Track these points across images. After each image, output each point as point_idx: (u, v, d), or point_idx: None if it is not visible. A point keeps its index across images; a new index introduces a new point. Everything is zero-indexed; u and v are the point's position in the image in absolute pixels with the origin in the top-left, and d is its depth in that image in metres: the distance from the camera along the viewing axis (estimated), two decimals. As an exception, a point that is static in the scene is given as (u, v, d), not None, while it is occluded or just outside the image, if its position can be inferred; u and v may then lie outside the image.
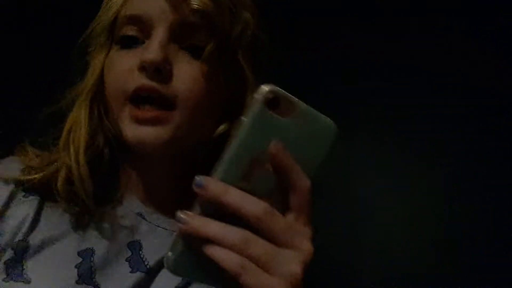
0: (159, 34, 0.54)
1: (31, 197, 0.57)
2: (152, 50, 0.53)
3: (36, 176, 0.57)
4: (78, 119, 0.59)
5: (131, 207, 0.60)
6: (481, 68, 1.02)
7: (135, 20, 0.56)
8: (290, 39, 1.05)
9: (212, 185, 0.35)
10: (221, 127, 0.59)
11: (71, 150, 0.57)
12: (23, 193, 0.57)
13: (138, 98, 0.55)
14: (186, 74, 0.55)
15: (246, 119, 0.35)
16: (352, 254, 1.00)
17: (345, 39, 1.09)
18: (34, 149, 0.61)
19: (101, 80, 0.59)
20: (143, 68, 0.54)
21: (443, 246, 0.98)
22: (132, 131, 0.55)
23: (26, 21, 1.11)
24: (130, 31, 0.56)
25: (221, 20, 0.56)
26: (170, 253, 0.36)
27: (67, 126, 0.59)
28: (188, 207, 0.60)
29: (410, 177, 1.02)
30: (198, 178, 0.35)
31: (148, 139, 0.54)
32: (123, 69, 0.56)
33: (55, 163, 0.58)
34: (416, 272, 0.97)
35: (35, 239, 0.54)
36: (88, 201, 0.55)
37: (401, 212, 1.01)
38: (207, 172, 0.37)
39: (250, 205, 0.34)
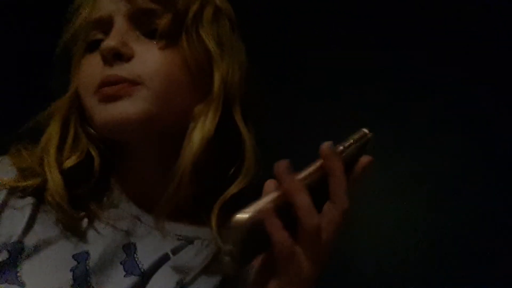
0: (116, 23, 0.56)
1: (26, 199, 0.57)
2: (109, 38, 0.56)
3: (29, 182, 0.57)
4: (52, 134, 0.59)
5: (126, 209, 0.59)
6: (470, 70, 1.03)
7: (98, 22, 0.58)
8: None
9: (292, 181, 0.38)
10: (196, 110, 0.58)
11: (46, 166, 0.57)
12: (19, 194, 0.57)
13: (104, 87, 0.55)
14: (146, 53, 0.56)
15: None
16: (348, 254, 1.00)
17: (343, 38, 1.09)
18: (27, 146, 0.60)
19: (76, 92, 0.60)
20: (104, 58, 0.55)
21: (435, 248, 0.99)
22: (100, 112, 0.55)
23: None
24: (96, 34, 0.58)
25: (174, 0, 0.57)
26: (229, 246, 0.37)
27: (41, 143, 0.59)
28: (182, 205, 0.60)
29: (403, 179, 1.03)
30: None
31: (115, 116, 0.54)
32: (91, 68, 0.57)
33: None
34: (411, 272, 0.98)
35: (30, 241, 0.54)
36: (68, 209, 0.55)
37: (395, 213, 1.01)
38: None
39: (310, 216, 0.37)
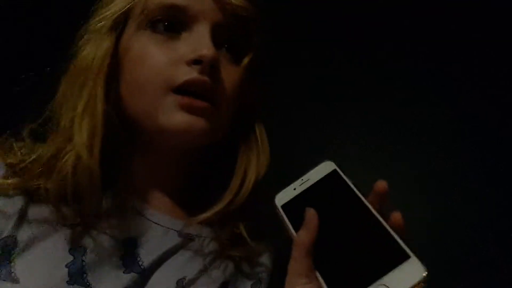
0: (206, 30, 0.55)
1: (19, 191, 0.54)
2: (208, 46, 0.53)
3: (13, 181, 0.53)
4: (93, 94, 0.54)
5: (129, 202, 0.57)
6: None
7: (177, 9, 0.55)
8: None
9: None
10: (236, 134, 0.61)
11: (84, 133, 0.53)
12: (12, 188, 0.53)
13: (184, 91, 0.54)
14: (230, 76, 0.56)
15: None
16: None
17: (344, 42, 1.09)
18: (16, 142, 0.57)
19: (114, 62, 0.56)
20: (198, 62, 0.53)
21: (436, 248, 0.98)
22: (177, 118, 0.53)
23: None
24: (167, 17, 0.55)
25: (259, 30, 0.58)
26: None
27: (81, 102, 0.54)
28: (184, 203, 0.59)
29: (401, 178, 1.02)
30: None
31: (196, 127, 0.54)
32: (163, 58, 0.54)
33: (43, 158, 0.54)
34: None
35: (23, 235, 0.51)
36: (91, 201, 0.52)
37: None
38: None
39: None
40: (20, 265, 0.49)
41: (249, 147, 0.60)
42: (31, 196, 0.54)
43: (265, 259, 0.59)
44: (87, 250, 0.52)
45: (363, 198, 0.42)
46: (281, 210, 0.45)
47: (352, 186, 0.44)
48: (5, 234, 0.51)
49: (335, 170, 0.46)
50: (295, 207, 0.45)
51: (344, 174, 0.45)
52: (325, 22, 1.12)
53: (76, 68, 0.56)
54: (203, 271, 0.55)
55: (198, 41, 0.54)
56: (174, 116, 0.53)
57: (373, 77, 1.09)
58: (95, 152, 0.52)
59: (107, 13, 0.57)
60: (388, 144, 1.07)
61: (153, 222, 0.57)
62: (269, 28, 0.62)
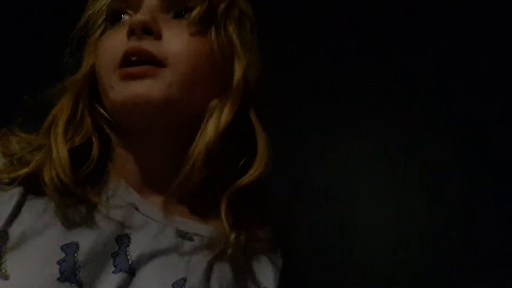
0: (149, 2, 0.56)
1: (13, 186, 0.53)
2: (140, 13, 0.55)
3: (20, 172, 0.53)
4: (63, 108, 0.57)
5: (124, 196, 0.56)
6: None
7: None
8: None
9: None
10: (213, 102, 0.57)
11: (52, 139, 0.55)
12: (5, 181, 0.53)
13: (128, 63, 0.53)
14: (176, 34, 0.55)
15: None
16: (343, 255, 1.00)
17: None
18: (16, 132, 0.57)
19: (92, 71, 0.58)
20: (132, 31, 0.53)
21: (435, 248, 0.99)
22: (122, 90, 0.53)
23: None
24: (122, 8, 0.57)
25: None
26: None
27: (51, 116, 0.57)
28: (183, 198, 0.57)
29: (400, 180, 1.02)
30: None
31: (138, 94, 0.53)
32: (113, 42, 0.55)
33: (40, 152, 0.55)
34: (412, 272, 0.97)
35: (15, 230, 0.50)
36: (72, 187, 0.52)
37: (391, 213, 1.02)
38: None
39: None
40: (11, 261, 0.48)
41: (247, 144, 0.58)
42: (27, 189, 0.53)
43: (271, 270, 0.58)
44: (80, 247, 0.50)
45: None
46: None
47: None
48: None
49: None
50: None
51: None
52: (326, 22, 1.12)
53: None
54: (204, 273, 0.53)
55: (139, 13, 0.56)
56: (121, 90, 0.53)
57: (373, 78, 1.08)
58: (61, 146, 0.54)
59: (88, 26, 0.61)
60: (389, 143, 1.07)
61: (149, 218, 0.55)
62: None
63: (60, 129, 0.55)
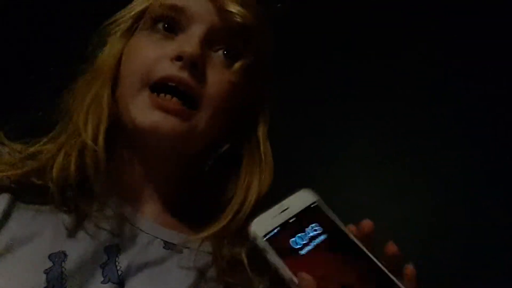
0: (199, 30, 0.55)
1: (3, 194, 0.52)
2: (193, 44, 0.53)
3: (10, 173, 0.52)
4: (100, 95, 0.56)
5: (115, 206, 0.55)
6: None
7: (176, 10, 0.56)
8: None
9: None
10: (233, 145, 0.60)
11: (89, 128, 0.54)
12: None
13: (161, 87, 0.53)
14: (217, 78, 0.55)
15: None
16: None
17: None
18: (9, 143, 0.56)
19: (118, 63, 0.58)
20: (179, 58, 0.53)
21: (435, 247, 0.98)
22: (148, 116, 0.53)
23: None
24: (166, 18, 0.56)
25: (258, 37, 0.57)
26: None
27: (87, 101, 0.56)
28: (174, 211, 0.58)
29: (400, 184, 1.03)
30: None
31: (165, 126, 0.53)
32: (151, 54, 0.55)
33: (39, 156, 0.54)
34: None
35: (3, 238, 0.49)
36: (96, 187, 0.52)
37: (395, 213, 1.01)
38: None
39: None
40: None
41: (252, 162, 0.59)
42: (16, 197, 0.52)
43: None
44: (68, 256, 0.49)
45: (351, 236, 0.41)
46: (267, 243, 0.40)
47: (336, 221, 0.42)
48: None
49: (315, 202, 0.43)
50: (280, 241, 0.40)
51: (325, 202, 0.43)
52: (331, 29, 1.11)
53: (90, 71, 0.59)
54: (192, 285, 0.52)
55: (187, 41, 0.54)
56: (146, 114, 0.53)
57: (374, 80, 1.08)
58: (100, 140, 0.53)
59: (124, 16, 0.60)
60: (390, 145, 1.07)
61: (139, 229, 0.55)
62: (271, 35, 0.62)
63: (103, 124, 0.55)
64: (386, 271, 0.38)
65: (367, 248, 0.40)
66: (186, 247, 0.56)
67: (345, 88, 1.09)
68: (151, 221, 0.56)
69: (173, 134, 0.53)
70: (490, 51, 1.05)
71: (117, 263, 0.51)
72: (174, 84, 0.53)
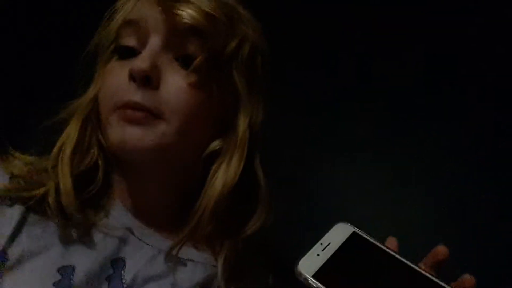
0: (153, 43, 0.54)
1: (14, 207, 0.54)
2: (141, 59, 0.53)
3: (38, 191, 0.54)
4: (70, 136, 0.58)
5: (120, 220, 0.57)
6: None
7: (132, 24, 0.56)
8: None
9: None
10: (214, 143, 0.57)
11: (59, 167, 0.55)
12: (7, 202, 0.54)
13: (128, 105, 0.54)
14: (173, 82, 0.54)
15: None
16: None
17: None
18: (15, 154, 0.58)
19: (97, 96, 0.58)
20: (132, 77, 0.53)
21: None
22: (117, 132, 0.54)
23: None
24: (129, 40, 0.56)
25: (213, 35, 0.55)
26: None
27: (59, 143, 0.58)
28: (178, 222, 0.58)
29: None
30: None
31: (131, 140, 0.53)
32: (116, 80, 0.55)
33: (46, 174, 0.56)
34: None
35: (14, 251, 0.51)
36: (75, 214, 0.53)
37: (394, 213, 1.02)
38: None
39: None
40: (8, 281, 0.49)
41: (226, 153, 0.57)
42: (28, 210, 0.54)
43: None
44: (76, 269, 0.51)
45: (401, 258, 0.41)
46: (316, 282, 0.39)
47: (384, 247, 0.42)
48: None
49: (354, 232, 0.43)
50: (328, 276, 0.39)
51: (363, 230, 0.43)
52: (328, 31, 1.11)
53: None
54: None
55: (141, 57, 0.54)
56: (116, 130, 0.54)
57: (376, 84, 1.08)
58: (67, 184, 0.54)
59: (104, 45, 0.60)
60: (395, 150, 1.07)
61: (144, 242, 0.56)
62: (249, 20, 0.59)
63: (66, 159, 0.56)
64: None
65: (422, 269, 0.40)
66: (191, 260, 0.57)
67: (345, 88, 1.09)
68: (155, 234, 0.58)
69: (140, 145, 0.53)
70: (490, 51, 1.05)
71: (122, 276, 0.53)
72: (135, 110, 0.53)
